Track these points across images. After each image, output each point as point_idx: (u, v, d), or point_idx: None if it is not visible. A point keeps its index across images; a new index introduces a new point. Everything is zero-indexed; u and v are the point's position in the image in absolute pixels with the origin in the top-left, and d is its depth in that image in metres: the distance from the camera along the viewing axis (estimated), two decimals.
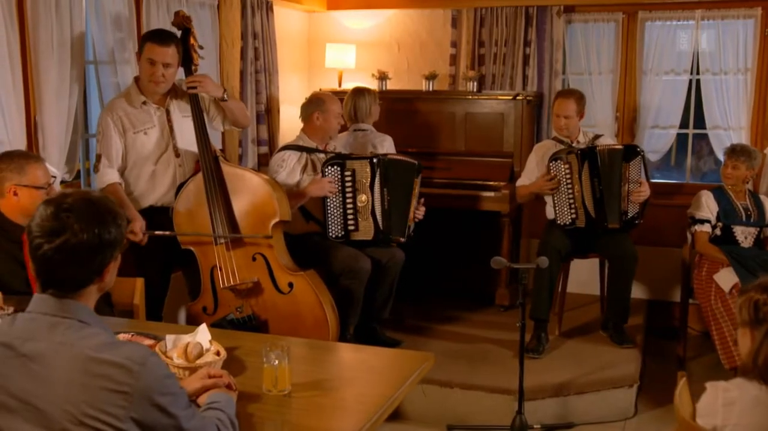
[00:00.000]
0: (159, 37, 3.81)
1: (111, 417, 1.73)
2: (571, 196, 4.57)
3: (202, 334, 2.68)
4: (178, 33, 3.96)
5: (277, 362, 2.39)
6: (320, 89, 5.72)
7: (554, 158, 4.60)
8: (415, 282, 5.12)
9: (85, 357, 1.76)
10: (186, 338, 2.61)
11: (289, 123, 5.83)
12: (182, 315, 4.66)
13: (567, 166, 4.56)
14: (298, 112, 5.99)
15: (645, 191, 4.58)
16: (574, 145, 4.74)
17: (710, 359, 4.98)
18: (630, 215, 4.60)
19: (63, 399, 1.74)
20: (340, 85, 5.93)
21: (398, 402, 2.46)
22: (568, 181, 4.56)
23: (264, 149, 5.36)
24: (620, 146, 4.66)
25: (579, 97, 4.79)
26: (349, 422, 2.22)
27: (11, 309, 2.87)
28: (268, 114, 5.40)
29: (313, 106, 4.56)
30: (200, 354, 2.57)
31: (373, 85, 5.63)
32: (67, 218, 1.81)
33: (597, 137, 4.90)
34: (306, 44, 6.26)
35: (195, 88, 3.92)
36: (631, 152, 4.60)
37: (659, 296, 5.57)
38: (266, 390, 2.39)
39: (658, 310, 5.48)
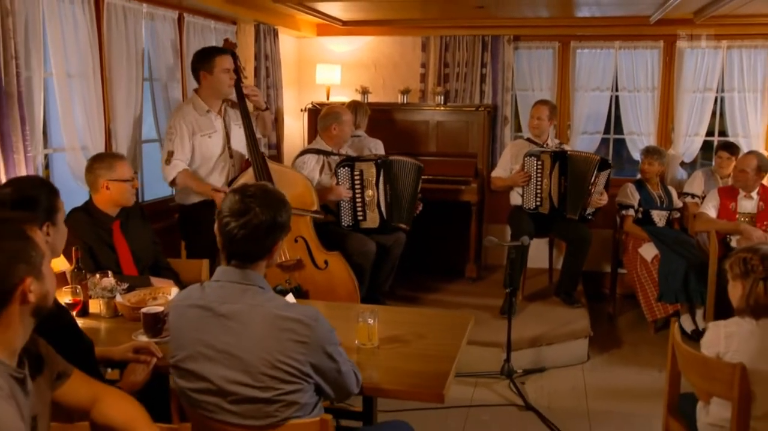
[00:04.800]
0: (224, 49, 3.86)
1: (296, 362, 1.87)
2: (539, 187, 4.79)
3: (289, 300, 2.78)
4: None
5: (371, 321, 2.53)
6: (312, 102, 5.80)
7: (530, 154, 4.81)
8: (401, 260, 5.26)
9: (274, 316, 1.88)
10: None
11: (287, 130, 5.90)
12: None
13: (540, 162, 4.77)
14: (293, 121, 6.10)
15: (605, 200, 4.78)
16: (545, 147, 4.97)
17: (632, 315, 5.36)
18: (588, 212, 4.81)
19: (260, 348, 1.85)
20: (328, 98, 6.00)
21: (463, 350, 2.63)
22: (539, 175, 4.78)
23: (273, 152, 5.40)
24: (597, 157, 4.78)
25: (552, 107, 5.06)
26: (441, 365, 2.36)
27: (126, 285, 2.91)
28: (275, 123, 5.44)
29: (330, 119, 4.56)
30: None
31: (356, 98, 5.73)
32: (251, 202, 1.92)
33: (561, 143, 5.18)
34: (297, 64, 6.31)
35: (248, 95, 3.97)
36: (603, 163, 4.75)
37: (590, 268, 5.83)
38: (360, 344, 2.51)
39: (589, 278, 5.75)
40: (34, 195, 2.19)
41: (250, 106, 4.08)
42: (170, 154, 3.79)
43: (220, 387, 1.88)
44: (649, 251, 4.92)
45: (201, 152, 3.88)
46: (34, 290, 1.53)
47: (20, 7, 2.90)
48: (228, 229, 1.92)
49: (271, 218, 1.93)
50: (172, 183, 3.89)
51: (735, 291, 2.43)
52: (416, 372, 2.35)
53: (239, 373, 1.86)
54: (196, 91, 3.93)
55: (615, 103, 5.90)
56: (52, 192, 2.28)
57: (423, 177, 5.02)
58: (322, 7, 5.19)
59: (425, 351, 2.53)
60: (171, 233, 4.14)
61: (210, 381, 1.89)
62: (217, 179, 3.97)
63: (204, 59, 3.82)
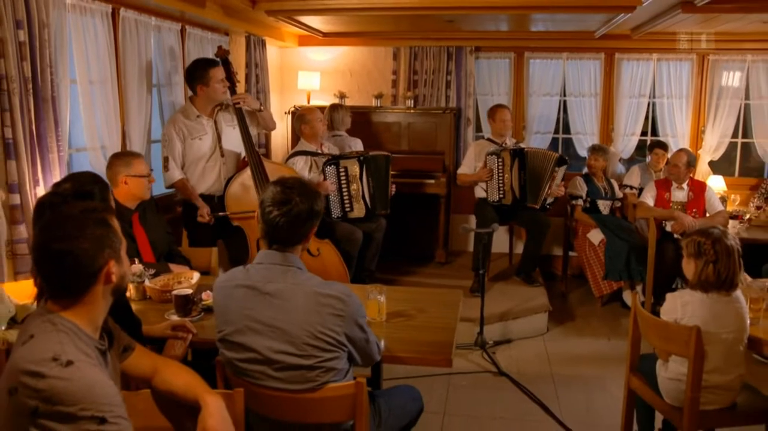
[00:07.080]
0: (215, 62, 3.86)
1: (333, 333, 1.95)
2: (501, 182, 4.93)
3: None
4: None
5: (381, 298, 2.62)
6: (294, 106, 5.83)
7: (492, 153, 4.95)
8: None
9: (314, 293, 1.95)
10: None
11: (273, 131, 5.90)
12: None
13: (500, 160, 4.91)
14: (278, 123, 6.10)
15: (563, 191, 5.00)
16: (503, 146, 5.12)
17: (581, 292, 5.58)
18: (548, 202, 4.99)
19: (303, 321, 1.93)
20: (308, 102, 6.04)
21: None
22: (500, 170, 4.93)
23: (262, 150, 5.42)
24: (556, 154, 4.93)
25: (509, 110, 5.21)
26: (444, 335, 2.48)
27: (153, 271, 2.93)
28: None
29: (298, 121, 4.64)
30: None
31: (334, 102, 5.76)
32: (291, 192, 1.98)
33: (518, 142, 5.33)
34: (280, 72, 6.32)
35: (239, 103, 3.99)
36: (561, 160, 4.91)
37: (544, 251, 5.96)
38: (370, 318, 2.59)
39: (543, 260, 5.92)
40: (90, 190, 2.22)
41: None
42: (166, 160, 3.79)
43: (266, 356, 1.95)
44: (596, 236, 5.13)
45: (192, 153, 3.87)
46: (115, 272, 1.58)
47: (51, 20, 2.88)
48: (271, 217, 1.98)
49: (310, 206, 2.00)
50: (171, 187, 3.91)
51: (688, 267, 2.60)
52: (424, 342, 2.45)
53: (284, 344, 1.93)
54: (191, 98, 3.91)
55: (563, 107, 6.08)
56: (104, 187, 2.30)
57: (396, 172, 5.14)
58: (307, 20, 5.24)
59: (428, 323, 2.62)
60: (175, 224, 4.14)
61: (257, 352, 1.95)
62: (210, 177, 3.96)
63: (199, 73, 3.80)
